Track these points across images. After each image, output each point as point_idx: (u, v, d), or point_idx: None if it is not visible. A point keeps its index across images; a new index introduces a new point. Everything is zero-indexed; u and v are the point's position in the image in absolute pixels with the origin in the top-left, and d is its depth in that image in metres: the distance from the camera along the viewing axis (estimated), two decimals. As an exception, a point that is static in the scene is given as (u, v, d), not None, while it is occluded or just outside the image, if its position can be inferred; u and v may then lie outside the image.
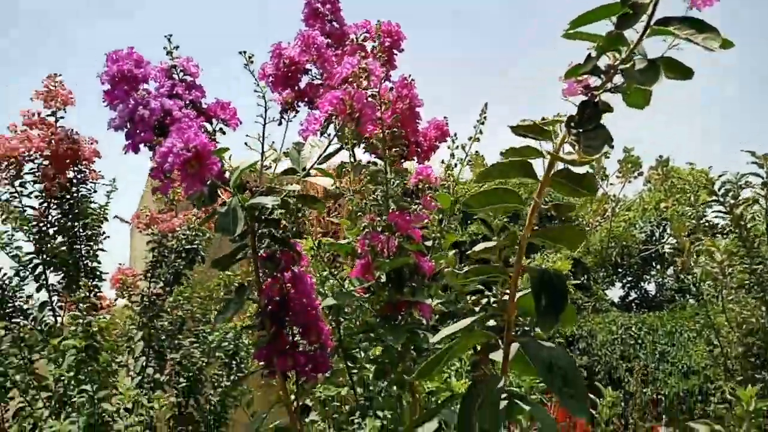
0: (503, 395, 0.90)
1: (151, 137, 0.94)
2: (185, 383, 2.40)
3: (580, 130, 0.72)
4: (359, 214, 1.14)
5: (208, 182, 1.04)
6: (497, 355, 0.92)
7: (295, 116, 1.20)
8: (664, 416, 5.20)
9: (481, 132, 1.15)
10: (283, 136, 1.18)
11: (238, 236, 1.20)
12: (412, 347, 1.17)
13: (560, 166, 0.76)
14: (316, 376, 1.21)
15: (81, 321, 1.79)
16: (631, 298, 8.40)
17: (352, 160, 1.21)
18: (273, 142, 1.11)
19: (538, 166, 0.77)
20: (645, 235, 7.92)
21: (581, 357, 5.97)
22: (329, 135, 1.14)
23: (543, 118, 0.77)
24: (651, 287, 8.36)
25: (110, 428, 1.78)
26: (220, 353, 2.39)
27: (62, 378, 1.77)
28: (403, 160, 1.27)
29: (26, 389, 2.38)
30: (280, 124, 1.14)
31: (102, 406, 1.77)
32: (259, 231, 1.18)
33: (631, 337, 5.98)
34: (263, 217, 1.16)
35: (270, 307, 1.20)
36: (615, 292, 8.17)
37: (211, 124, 1.11)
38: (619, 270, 8.01)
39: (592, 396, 2.34)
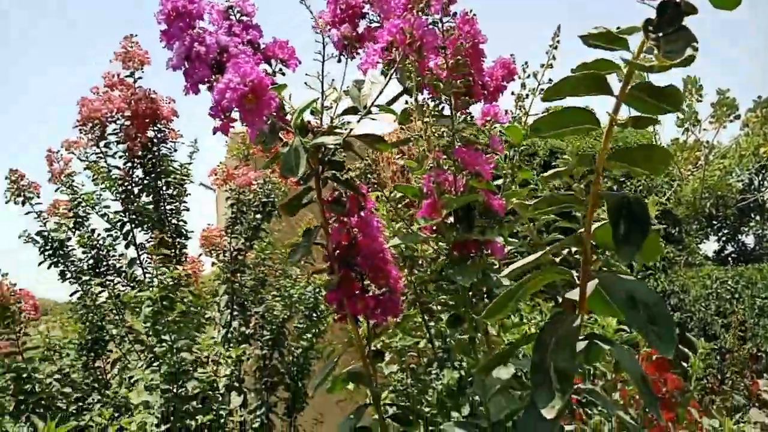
0: (581, 335, 0.84)
1: (208, 74, 0.93)
2: (269, 336, 2.46)
3: (660, 34, 0.63)
4: (425, 153, 1.10)
5: (269, 121, 1.02)
6: (573, 294, 0.86)
7: (352, 59, 1.16)
8: (765, 373, 4.93)
9: (554, 57, 1.07)
10: (342, 79, 1.14)
11: (302, 179, 1.18)
12: (484, 290, 1.12)
13: (637, 81, 0.68)
14: (387, 320, 1.19)
15: (156, 273, 1.86)
16: (727, 251, 7.94)
17: (415, 101, 1.16)
18: (333, 80, 1.08)
19: (613, 81, 0.70)
20: (742, 184, 7.41)
21: (673, 313, 5.72)
22: (389, 75, 1.10)
23: (617, 28, 0.69)
24: (749, 239, 7.85)
25: (191, 377, 1.85)
26: (301, 306, 2.43)
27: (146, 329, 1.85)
28: (468, 103, 1.20)
29: (121, 341, 2.53)
30: (339, 61, 1.10)
31: (182, 355, 1.84)
32: (323, 174, 1.16)
33: (728, 291, 5.65)
34: (327, 159, 1.13)
35: (338, 251, 1.19)
36: (709, 246, 7.74)
37: (270, 65, 1.09)
38: (714, 222, 7.56)
39: (684, 349, 2.22)
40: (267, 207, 2.46)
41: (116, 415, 2.16)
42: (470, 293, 1.11)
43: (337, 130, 1.10)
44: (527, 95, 1.13)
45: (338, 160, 1.16)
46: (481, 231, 1.06)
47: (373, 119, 1.09)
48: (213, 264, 2.65)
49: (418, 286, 1.85)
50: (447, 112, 1.18)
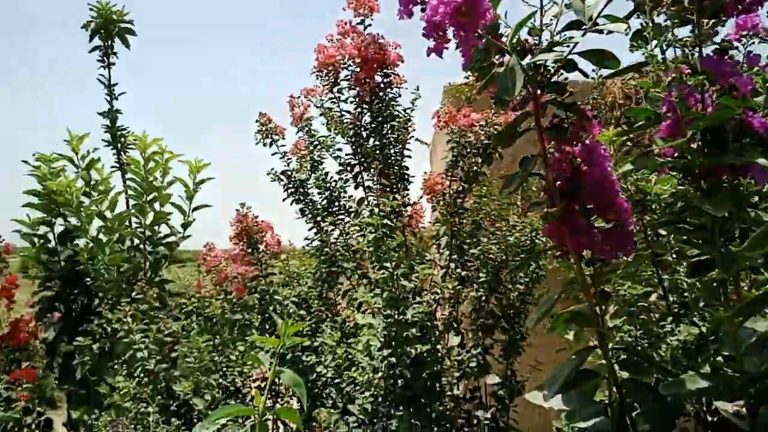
0: None
1: (422, -5, 0.90)
2: (485, 278, 2.45)
3: None
4: (662, 69, 0.95)
5: (483, 39, 0.97)
6: None
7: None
8: None
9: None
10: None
11: (518, 104, 1.11)
12: (737, 226, 0.96)
13: None
14: (616, 256, 1.09)
15: (377, 203, 1.93)
16: None
17: (649, 22, 1.01)
18: (553, -9, 0.98)
19: None
20: None
21: None
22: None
23: None
24: None
25: (410, 304, 1.92)
26: (518, 249, 2.37)
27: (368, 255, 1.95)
28: (716, 19, 1.01)
29: (351, 274, 2.72)
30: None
31: (402, 283, 1.91)
32: (542, 98, 1.08)
33: None
34: (546, 81, 1.05)
35: (558, 182, 1.10)
36: None
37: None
38: None
39: None
40: (488, 149, 2.42)
41: (344, 339, 2.34)
42: (719, 231, 0.95)
43: (558, 48, 1.01)
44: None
45: (559, 81, 1.07)
46: (738, 153, 0.89)
47: (599, 31, 0.97)
48: (433, 210, 2.70)
49: (650, 232, 1.68)
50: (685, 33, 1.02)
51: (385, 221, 1.89)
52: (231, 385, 2.50)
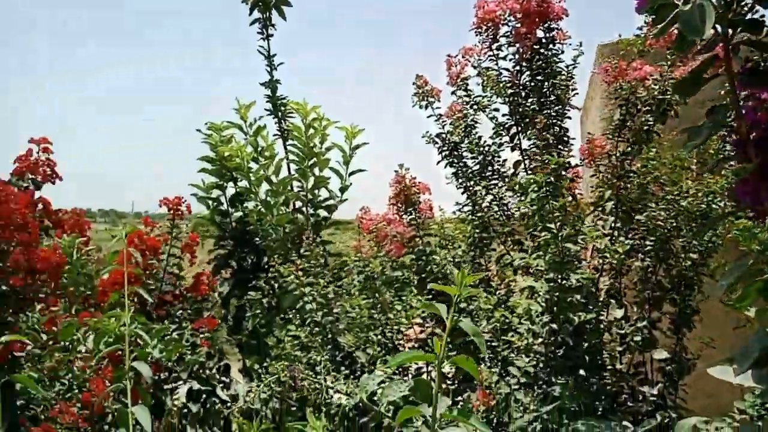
0: None
1: None
2: (651, 247, 2.29)
3: None
4: None
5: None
6: None
7: None
8: None
9: None
10: None
11: (705, 47, 1.00)
12: None
13: None
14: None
15: (540, 161, 1.85)
16: None
17: None
18: None
19: None
20: None
21: None
22: None
23: None
24: None
25: (575, 268, 1.84)
26: (691, 215, 2.17)
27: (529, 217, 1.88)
28: None
29: (505, 239, 2.68)
30: None
31: (565, 245, 1.83)
32: (733, 38, 0.95)
33: None
34: (739, 18, 0.93)
35: (753, 133, 0.98)
36: None
37: None
38: None
39: None
40: (661, 106, 2.22)
41: (499, 304, 2.31)
42: None
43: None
44: None
45: (756, 18, 0.94)
46: None
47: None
48: (591, 176, 2.55)
49: None
50: None
51: (550, 179, 1.81)
52: (390, 342, 2.58)
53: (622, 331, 2.28)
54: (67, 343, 2.42)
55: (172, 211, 2.92)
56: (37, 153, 2.88)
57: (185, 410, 2.73)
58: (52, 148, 2.89)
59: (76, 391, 2.34)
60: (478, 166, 2.75)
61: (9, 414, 2.01)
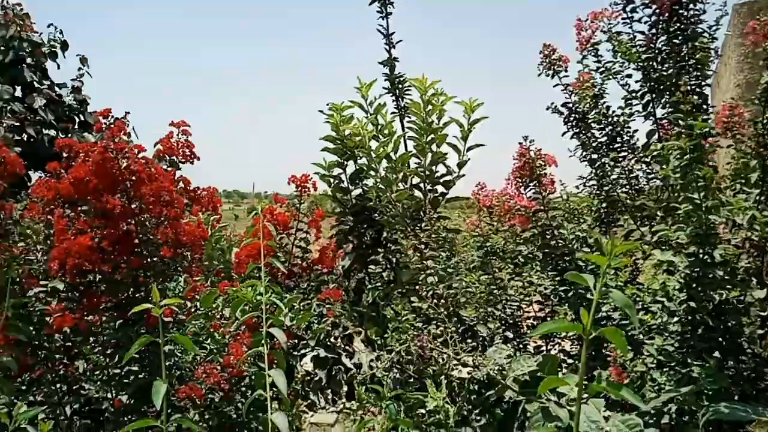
0: None
1: None
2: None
3: None
4: None
5: None
6: None
7: None
8: None
9: None
10: None
11: None
12: None
13: None
14: None
15: (684, 123, 1.72)
16: None
17: None
18: None
19: None
20: None
21: None
22: None
23: None
24: None
25: (717, 241, 1.71)
26: None
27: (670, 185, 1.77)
28: None
29: (632, 215, 2.55)
30: None
31: (710, 217, 1.70)
32: None
33: None
34: None
35: None
36: None
37: None
38: None
39: None
40: (821, 65, 2.01)
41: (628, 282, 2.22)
42: None
43: None
44: None
45: None
46: None
47: None
48: (728, 146, 2.36)
49: None
50: None
51: (695, 144, 1.69)
52: (510, 318, 2.56)
53: (764, 313, 2.11)
54: (208, 311, 2.60)
55: (299, 188, 3.04)
56: (177, 135, 3.09)
57: (308, 377, 2.87)
58: (190, 131, 3.09)
59: (216, 354, 2.52)
60: (605, 138, 2.64)
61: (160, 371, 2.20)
